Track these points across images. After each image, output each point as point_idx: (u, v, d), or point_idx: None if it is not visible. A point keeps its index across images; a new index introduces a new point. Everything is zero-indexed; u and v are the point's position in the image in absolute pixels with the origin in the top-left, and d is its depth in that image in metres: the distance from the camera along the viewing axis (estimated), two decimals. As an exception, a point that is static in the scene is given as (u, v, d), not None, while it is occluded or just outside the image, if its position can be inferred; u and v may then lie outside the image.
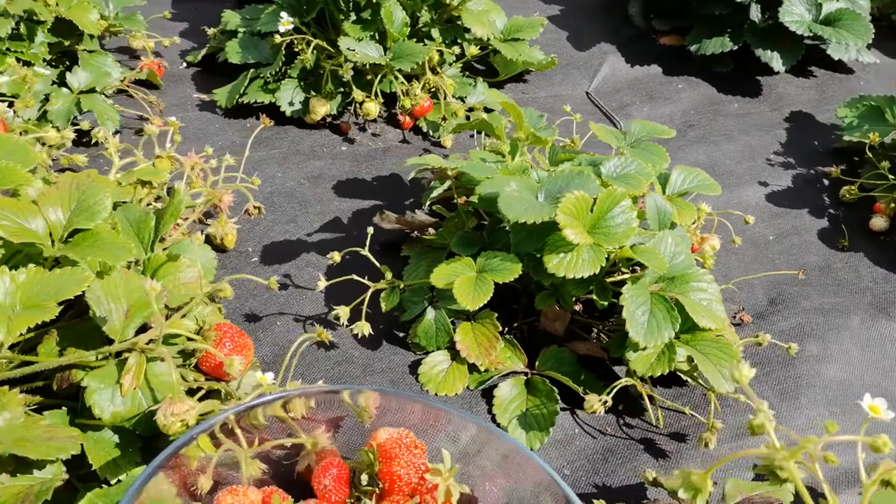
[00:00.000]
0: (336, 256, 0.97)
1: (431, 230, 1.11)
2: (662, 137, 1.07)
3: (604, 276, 0.96)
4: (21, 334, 0.66)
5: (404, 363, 0.94)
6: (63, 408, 0.77)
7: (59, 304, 0.71)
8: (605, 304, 0.95)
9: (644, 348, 0.87)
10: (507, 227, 0.98)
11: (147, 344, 0.78)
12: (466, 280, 0.88)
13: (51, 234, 0.79)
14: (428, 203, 1.12)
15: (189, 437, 0.65)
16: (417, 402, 0.75)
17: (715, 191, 1.04)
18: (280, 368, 0.83)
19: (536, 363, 0.94)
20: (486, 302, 0.86)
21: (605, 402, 0.85)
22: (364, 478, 0.71)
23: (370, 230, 0.98)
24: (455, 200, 1.01)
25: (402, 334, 0.98)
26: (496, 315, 0.94)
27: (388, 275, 0.96)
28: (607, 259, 0.87)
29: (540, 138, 1.02)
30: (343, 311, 0.93)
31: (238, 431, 0.72)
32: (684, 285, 0.90)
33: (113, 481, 0.74)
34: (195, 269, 0.87)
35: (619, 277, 0.96)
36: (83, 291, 0.76)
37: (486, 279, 0.87)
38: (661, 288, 0.90)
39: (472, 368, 0.93)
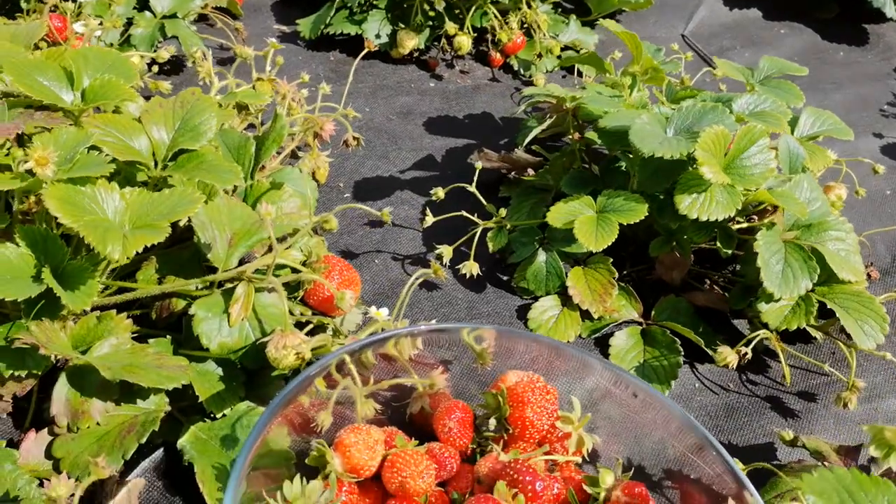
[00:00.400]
0: (440, 192, 0.91)
1: (531, 171, 1.05)
2: (794, 75, 0.99)
3: (728, 223, 0.89)
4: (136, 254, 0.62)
5: (510, 308, 0.89)
6: (167, 337, 0.74)
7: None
8: (729, 252, 0.88)
9: (778, 300, 0.80)
10: (625, 167, 0.91)
11: (254, 273, 0.74)
12: (587, 220, 0.82)
13: (154, 155, 0.75)
14: (525, 143, 1.05)
15: (312, 372, 0.61)
16: (544, 343, 0.70)
17: (847, 135, 0.96)
18: (381, 307, 0.78)
19: (652, 313, 0.88)
20: (609, 243, 0.80)
21: (745, 354, 0.78)
22: (492, 423, 0.65)
23: (478, 165, 0.92)
24: (568, 137, 0.95)
25: (506, 277, 0.92)
26: (611, 260, 0.87)
27: (503, 211, 0.90)
28: (742, 202, 0.80)
29: (659, 72, 0.94)
30: (446, 251, 0.88)
31: (353, 369, 0.67)
32: (821, 234, 0.83)
33: (218, 415, 0.70)
34: (297, 199, 0.82)
35: (744, 225, 0.89)
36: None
37: (610, 220, 0.81)
38: (796, 236, 0.83)
39: (584, 316, 0.87)
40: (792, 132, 0.95)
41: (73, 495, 0.52)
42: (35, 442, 0.66)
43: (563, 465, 0.66)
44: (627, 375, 0.68)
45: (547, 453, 0.65)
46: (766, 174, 0.81)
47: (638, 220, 0.81)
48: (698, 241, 0.90)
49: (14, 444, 0.67)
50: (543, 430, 0.64)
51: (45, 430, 0.66)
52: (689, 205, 0.79)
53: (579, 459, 0.66)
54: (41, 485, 0.61)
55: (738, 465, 0.70)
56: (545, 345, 0.70)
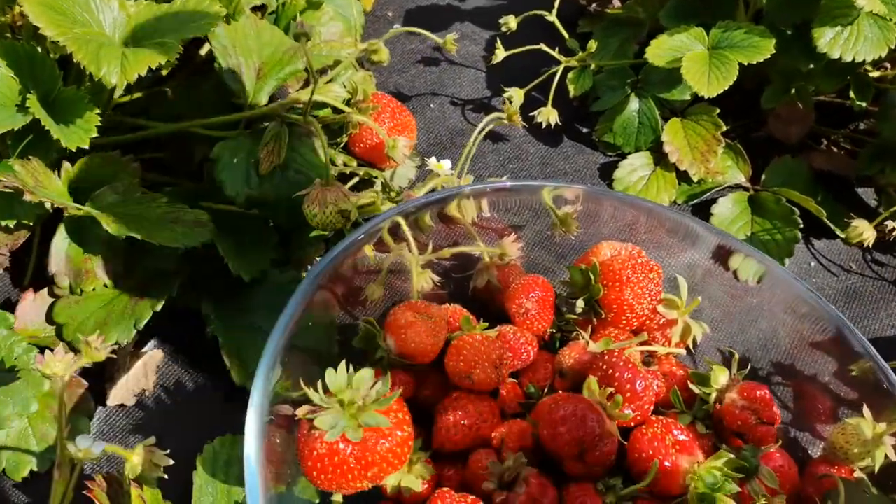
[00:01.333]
0: (512, 22, 0.75)
1: (617, 2, 0.87)
2: None
3: (863, 69, 0.72)
4: (138, 77, 0.48)
5: (591, 165, 0.74)
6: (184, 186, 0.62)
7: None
8: (864, 105, 0.72)
9: (929, 164, 0.65)
10: (746, -7, 0.73)
11: (288, 112, 0.60)
12: (698, 57, 0.66)
13: (161, -42, 0.60)
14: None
15: (360, 235, 0.48)
16: (641, 208, 0.56)
17: None
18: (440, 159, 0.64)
19: (763, 177, 0.73)
20: (726, 87, 0.64)
21: (893, 230, 0.64)
22: (578, 304, 0.53)
23: (560, -11, 0.75)
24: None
25: (586, 129, 0.77)
26: (717, 111, 0.72)
27: (592, 45, 0.74)
28: (901, 38, 0.63)
29: None
30: (517, 94, 0.72)
31: (408, 233, 0.55)
32: None
33: (246, 279, 0.59)
34: (339, 24, 0.67)
35: (877, 73, 0.72)
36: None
37: (727, 58, 0.65)
38: (959, 86, 0.66)
39: (681, 178, 0.72)
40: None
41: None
42: (34, 303, 0.55)
43: (662, 359, 0.54)
44: (745, 247, 0.55)
45: (644, 343, 0.53)
46: (933, 3, 0.63)
47: (761, 60, 0.65)
48: (826, 91, 0.73)
49: (11, 304, 0.57)
50: (643, 316, 0.52)
51: (46, 290, 0.56)
52: (831, 40, 0.63)
53: (683, 352, 0.55)
54: (42, 353, 0.51)
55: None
56: (643, 209, 0.57)
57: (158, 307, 0.54)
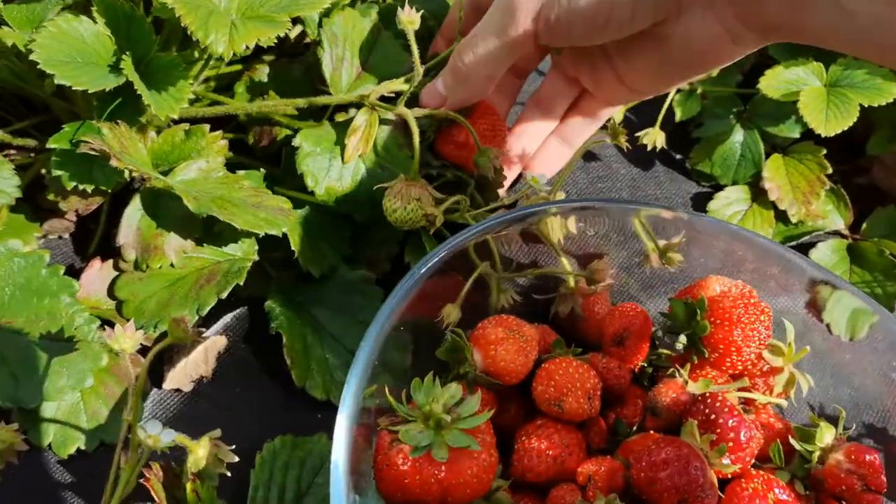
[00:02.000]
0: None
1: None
2: None
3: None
4: (245, 49, 0.46)
5: (684, 193, 0.71)
6: (262, 170, 0.59)
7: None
8: (982, 162, 0.67)
9: None
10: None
11: (378, 101, 0.57)
12: (816, 93, 0.62)
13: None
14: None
15: (467, 237, 0.45)
16: (751, 243, 0.52)
17: None
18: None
19: (863, 226, 0.69)
20: (845, 128, 0.60)
21: None
22: (680, 340, 0.49)
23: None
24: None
25: (679, 156, 0.73)
26: (824, 151, 0.68)
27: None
28: None
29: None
30: (618, 112, 0.69)
31: (494, 247, 0.51)
32: None
33: (315, 274, 0.56)
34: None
35: None
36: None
37: (847, 97, 0.61)
38: None
39: (778, 217, 0.68)
40: None
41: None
42: (99, 273, 0.53)
43: (760, 409, 0.50)
44: (855, 293, 0.51)
45: (744, 389, 0.49)
46: None
47: (883, 103, 0.61)
48: (939, 143, 0.69)
49: (74, 271, 0.54)
50: (748, 360, 0.48)
51: (111, 261, 0.54)
52: (963, 88, 0.59)
53: (784, 403, 0.50)
54: (102, 327, 0.49)
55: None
56: (752, 245, 0.53)
57: (224, 294, 0.52)
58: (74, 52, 0.46)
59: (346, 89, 0.59)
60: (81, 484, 0.47)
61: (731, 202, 0.68)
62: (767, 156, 0.69)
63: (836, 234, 0.69)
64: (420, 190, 0.52)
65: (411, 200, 0.52)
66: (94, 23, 0.48)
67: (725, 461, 0.42)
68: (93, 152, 0.45)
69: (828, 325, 0.54)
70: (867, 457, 0.45)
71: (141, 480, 0.40)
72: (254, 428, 0.50)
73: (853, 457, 0.45)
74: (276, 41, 0.54)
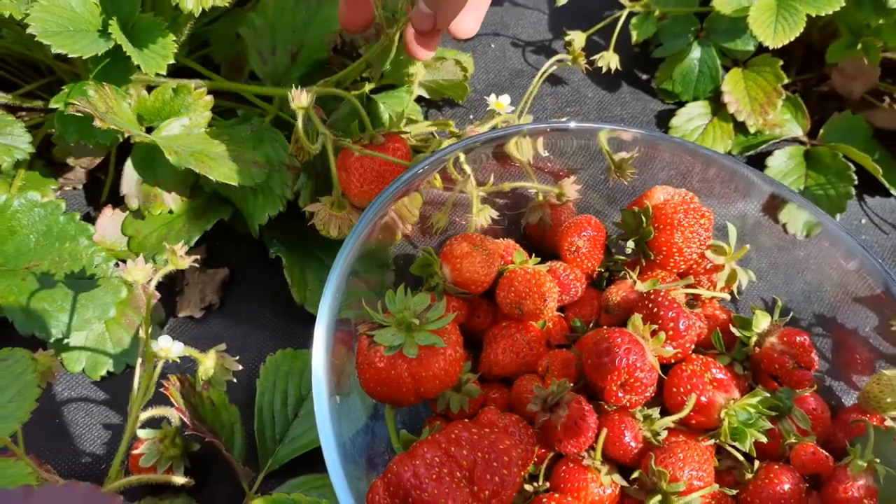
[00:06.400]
0: (577, -36, 0.75)
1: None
2: None
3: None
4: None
5: (649, 112, 0.75)
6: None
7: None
8: (934, 62, 0.70)
9: None
10: (818, -58, 0.72)
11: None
12: (766, 6, 0.65)
13: None
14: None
15: (425, 165, 0.50)
16: (698, 155, 0.57)
17: None
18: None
19: (821, 132, 0.73)
20: (792, 39, 0.63)
21: (950, 189, 0.64)
22: (629, 245, 0.55)
23: (629, -70, 0.74)
24: None
25: (645, 76, 0.77)
26: (781, 63, 0.71)
27: (658, -10, 0.74)
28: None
29: None
30: (578, 37, 0.72)
31: (467, 168, 0.56)
32: None
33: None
34: None
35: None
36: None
37: (795, 8, 0.64)
38: None
39: (738, 128, 0.73)
40: None
41: (150, 280, 0.45)
42: (111, 219, 0.59)
43: (706, 302, 0.56)
44: (799, 199, 0.55)
45: (690, 286, 0.54)
46: None
47: (830, 12, 0.64)
48: (893, 47, 0.72)
49: (90, 218, 0.61)
50: (691, 260, 0.53)
51: (121, 208, 0.60)
52: (905, -6, 0.62)
53: (727, 296, 0.56)
54: (118, 266, 0.55)
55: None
56: (699, 156, 0.57)
57: (208, 227, 0.58)
58: (66, 21, 0.51)
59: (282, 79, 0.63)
60: (114, 400, 0.55)
61: (692, 117, 0.72)
62: (729, 70, 0.73)
63: (795, 140, 0.73)
64: (343, 220, 0.56)
65: (333, 228, 0.56)
66: (81, -9, 0.52)
67: (668, 348, 0.48)
68: (79, 113, 0.50)
69: (783, 226, 0.59)
70: (798, 338, 0.51)
71: (161, 390, 0.47)
72: (259, 344, 0.57)
73: (785, 339, 0.51)
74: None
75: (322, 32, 0.62)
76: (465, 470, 0.40)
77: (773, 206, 0.58)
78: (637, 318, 0.48)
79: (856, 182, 0.68)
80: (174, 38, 0.55)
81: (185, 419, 0.45)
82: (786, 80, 0.71)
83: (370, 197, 0.52)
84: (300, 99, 0.52)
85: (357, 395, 0.47)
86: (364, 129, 0.57)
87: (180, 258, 0.43)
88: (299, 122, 0.52)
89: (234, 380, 0.47)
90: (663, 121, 0.73)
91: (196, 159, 0.54)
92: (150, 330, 0.43)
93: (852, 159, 0.69)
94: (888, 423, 0.51)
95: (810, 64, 0.78)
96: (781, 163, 0.70)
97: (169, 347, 0.42)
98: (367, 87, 0.63)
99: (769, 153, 0.71)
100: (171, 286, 0.59)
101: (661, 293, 0.50)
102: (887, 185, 0.69)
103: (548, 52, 0.78)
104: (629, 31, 0.75)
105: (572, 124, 0.57)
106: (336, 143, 0.55)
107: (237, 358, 0.47)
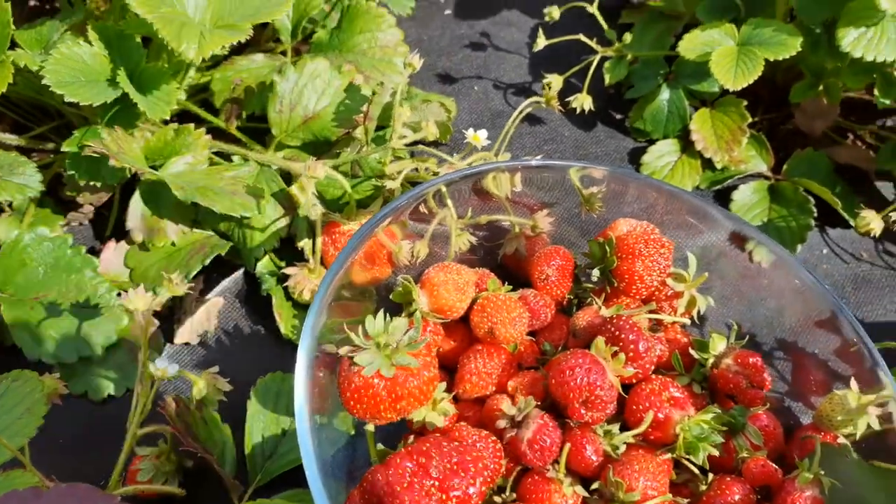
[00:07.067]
0: (555, 12, 0.80)
1: (660, -6, 0.91)
2: None
3: (889, 68, 0.75)
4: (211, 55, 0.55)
5: (622, 149, 0.79)
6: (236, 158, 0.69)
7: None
8: (887, 102, 0.75)
9: (943, 161, 0.68)
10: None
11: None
12: (727, 52, 0.70)
13: (237, -52, 0.66)
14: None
15: (403, 201, 0.55)
16: (662, 191, 0.61)
17: None
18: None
19: (784, 167, 0.77)
20: (751, 81, 0.68)
21: (895, 221, 0.68)
22: (594, 273, 0.59)
23: (601, -18, 0.80)
24: (712, -48, 0.80)
25: (619, 116, 0.82)
26: (745, 103, 0.76)
27: (627, 37, 0.79)
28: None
29: None
30: (556, 80, 0.77)
31: (449, 201, 0.61)
32: None
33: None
34: (397, 33, 0.71)
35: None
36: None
37: (754, 53, 0.69)
38: (981, 86, 0.69)
39: (706, 165, 0.77)
40: None
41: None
42: (115, 252, 0.64)
43: (668, 327, 0.59)
44: (754, 232, 0.59)
45: (653, 312, 0.58)
46: (958, 6, 0.66)
47: (787, 56, 0.69)
48: (852, 87, 0.76)
49: (95, 252, 0.65)
50: (652, 287, 0.57)
51: (125, 241, 0.64)
52: (854, 40, 0.66)
53: (688, 321, 0.60)
54: (119, 295, 0.59)
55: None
56: (663, 192, 0.62)
57: (207, 261, 0.62)
58: (78, 72, 0.56)
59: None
60: (115, 420, 0.58)
61: (662, 154, 0.77)
62: (697, 110, 0.78)
63: (760, 175, 0.77)
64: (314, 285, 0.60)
65: (305, 292, 0.60)
66: (91, 45, 0.57)
67: (628, 368, 0.52)
68: (95, 154, 0.55)
69: (750, 253, 0.63)
70: (750, 360, 0.55)
71: (158, 409, 0.50)
72: (250, 369, 0.61)
73: (739, 360, 0.55)
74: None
75: (339, 118, 0.66)
76: (434, 479, 0.44)
77: (737, 238, 0.62)
78: (600, 340, 0.52)
79: (815, 214, 0.72)
80: (177, 85, 0.61)
81: (180, 436, 0.49)
82: (750, 120, 0.75)
83: (357, 271, 0.56)
84: (316, 171, 0.56)
85: (341, 414, 0.51)
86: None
87: (176, 285, 0.47)
88: (306, 191, 0.56)
89: (226, 399, 0.51)
90: (636, 158, 0.78)
91: (201, 193, 0.59)
92: (147, 353, 0.47)
93: (814, 193, 0.74)
94: (840, 440, 0.55)
95: (776, 103, 0.83)
96: (746, 196, 0.74)
97: (165, 369, 0.46)
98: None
99: (735, 187, 0.75)
100: (171, 315, 0.63)
101: (623, 318, 0.54)
102: (846, 216, 0.73)
103: (528, 94, 0.83)
104: (603, 74, 0.80)
105: (542, 162, 0.61)
106: (326, 216, 0.60)
107: (228, 380, 0.51)
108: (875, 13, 0.65)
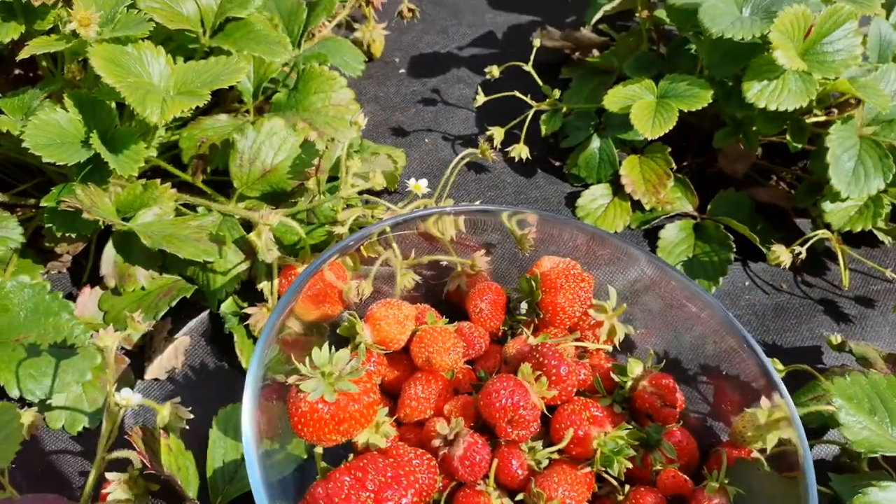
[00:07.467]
0: (495, 71, 0.87)
1: (596, 52, 0.99)
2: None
3: (801, 115, 0.83)
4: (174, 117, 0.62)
5: (560, 194, 0.87)
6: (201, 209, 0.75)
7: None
8: (799, 146, 0.82)
9: (845, 199, 0.75)
10: (694, 50, 0.85)
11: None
12: (645, 105, 0.77)
13: (202, 22, 0.74)
14: (594, 20, 0.99)
15: (350, 241, 0.61)
16: (583, 231, 0.68)
17: (953, 21, 0.86)
18: (433, 186, 0.77)
19: (708, 207, 0.84)
20: (667, 131, 0.75)
21: (799, 254, 0.75)
22: (523, 306, 0.65)
23: (536, 42, 0.88)
24: (637, 14, 0.89)
25: (558, 163, 0.90)
26: (669, 150, 0.83)
27: (556, 93, 0.86)
28: (817, 91, 0.74)
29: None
30: (498, 132, 0.85)
31: (394, 244, 0.67)
32: (905, 131, 0.76)
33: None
34: (348, 93, 0.79)
35: (816, 119, 0.83)
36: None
37: (670, 105, 0.76)
38: (875, 132, 0.77)
39: (636, 206, 0.84)
40: (888, 16, 0.86)
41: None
42: (90, 297, 0.69)
43: (594, 353, 0.65)
44: (670, 269, 0.66)
45: (578, 340, 0.64)
46: (847, 62, 0.74)
47: (700, 108, 0.76)
48: (767, 133, 0.84)
49: (72, 297, 0.71)
50: (575, 317, 0.64)
51: (99, 286, 0.70)
52: (758, 92, 0.74)
53: (609, 348, 0.66)
54: (93, 336, 0.65)
55: (778, 366, 0.69)
56: (588, 233, 0.68)
57: (174, 303, 0.67)
58: (54, 135, 0.62)
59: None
60: (89, 451, 0.63)
61: (595, 198, 0.84)
62: (627, 156, 0.85)
63: (686, 215, 0.84)
64: None
65: None
66: (66, 111, 0.64)
67: (552, 391, 0.58)
68: (70, 208, 0.61)
69: (671, 287, 0.69)
70: (664, 381, 0.61)
71: (126, 437, 0.56)
72: (213, 401, 0.66)
73: (654, 382, 0.61)
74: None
75: (294, 171, 0.72)
76: (370, 491, 0.49)
77: (659, 273, 0.69)
78: (525, 366, 0.58)
79: (734, 249, 0.79)
80: (145, 145, 0.67)
81: (146, 462, 0.54)
82: (674, 165, 0.82)
83: (305, 307, 0.62)
84: (269, 218, 0.63)
85: (294, 440, 0.56)
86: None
87: (138, 323, 0.53)
88: (262, 236, 0.63)
89: (189, 428, 0.57)
90: (572, 201, 0.85)
91: (167, 241, 0.65)
92: (114, 384, 0.52)
93: (736, 230, 0.81)
94: (754, 454, 0.61)
95: (703, 149, 0.90)
96: (673, 234, 0.81)
97: (129, 398, 0.51)
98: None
99: (662, 226, 0.82)
100: (142, 354, 0.69)
101: (548, 346, 0.60)
102: (764, 251, 0.80)
103: (474, 145, 0.91)
104: (540, 125, 0.87)
105: (479, 207, 0.68)
106: (282, 260, 0.66)
107: (190, 409, 0.56)
108: (776, 68, 0.73)
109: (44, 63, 0.74)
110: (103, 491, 0.56)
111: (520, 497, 0.55)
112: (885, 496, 0.49)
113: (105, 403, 0.54)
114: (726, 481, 0.56)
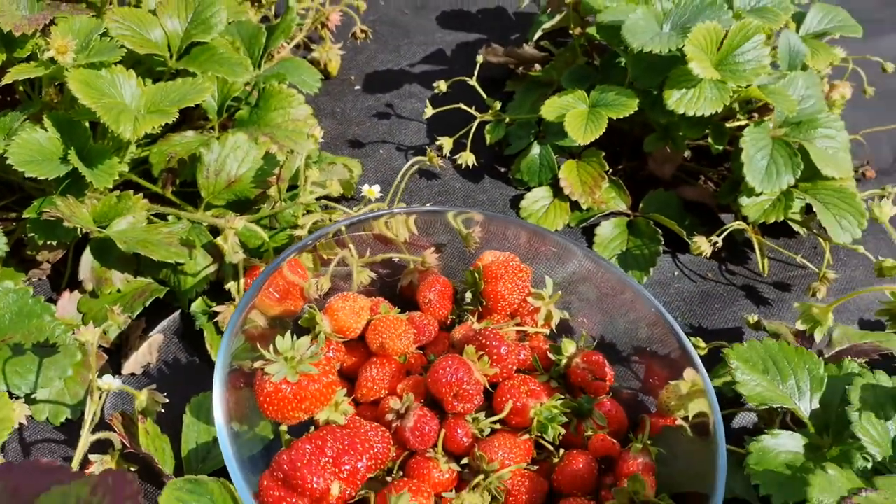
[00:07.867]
0: (442, 85, 0.95)
1: (538, 66, 1.07)
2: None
3: (721, 120, 0.91)
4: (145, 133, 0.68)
5: (505, 197, 0.94)
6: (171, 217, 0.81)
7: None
8: (720, 148, 0.91)
9: (759, 194, 0.84)
10: (624, 63, 0.94)
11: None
12: (578, 114, 0.85)
13: (169, 47, 0.80)
14: (535, 37, 1.07)
15: (308, 241, 0.67)
16: (524, 229, 0.75)
17: (856, 32, 0.96)
18: (387, 192, 0.84)
19: (640, 205, 0.92)
20: (597, 136, 0.83)
21: (716, 243, 0.83)
22: (468, 296, 0.72)
23: (479, 59, 0.96)
24: (571, 31, 0.97)
25: (503, 169, 0.97)
26: (603, 154, 0.91)
27: (497, 105, 0.94)
28: (731, 98, 0.82)
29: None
30: (447, 142, 0.92)
31: (350, 244, 0.74)
32: (811, 131, 0.85)
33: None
34: (306, 108, 0.85)
35: (737, 123, 0.91)
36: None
37: (600, 114, 0.84)
38: (786, 133, 0.85)
39: (574, 206, 0.92)
40: (798, 29, 0.95)
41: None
42: (69, 300, 0.75)
43: (534, 337, 0.72)
44: (604, 262, 0.73)
45: (518, 325, 0.71)
46: (757, 70, 0.82)
47: (628, 115, 0.84)
48: (692, 137, 0.92)
49: (52, 301, 0.76)
50: (514, 304, 0.71)
51: (77, 291, 0.75)
52: (678, 100, 0.82)
53: (547, 332, 0.73)
54: (73, 335, 0.70)
55: (700, 345, 0.76)
56: (530, 230, 0.76)
57: (148, 303, 0.73)
58: (36, 153, 0.68)
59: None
60: (72, 440, 0.69)
61: (537, 199, 0.91)
62: (565, 161, 0.93)
63: (620, 213, 0.92)
64: None
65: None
66: (46, 131, 0.70)
67: (494, 369, 0.65)
68: (51, 218, 0.67)
69: (605, 278, 0.76)
70: (594, 357, 0.68)
71: (107, 421, 0.61)
72: (186, 390, 0.72)
73: (585, 359, 0.68)
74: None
75: (256, 181, 0.79)
76: (329, 457, 0.56)
77: (593, 265, 0.76)
78: (469, 347, 0.65)
79: (663, 243, 0.87)
80: (119, 160, 0.73)
81: (126, 443, 0.60)
82: (608, 168, 0.90)
83: (270, 303, 0.68)
84: (234, 224, 0.69)
85: (262, 423, 0.62)
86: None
87: (118, 315, 0.59)
88: (228, 240, 0.69)
89: (165, 414, 0.62)
90: (516, 203, 0.92)
91: (141, 245, 0.71)
92: (96, 373, 0.58)
93: (665, 226, 0.89)
94: (678, 422, 0.68)
95: (635, 153, 0.98)
96: (608, 231, 0.89)
97: (110, 383, 0.57)
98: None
99: (598, 224, 0.90)
100: (118, 351, 0.75)
101: (490, 330, 0.67)
102: (690, 243, 0.88)
103: (425, 154, 0.97)
104: (485, 135, 0.95)
105: (428, 208, 0.75)
106: (248, 262, 0.72)
107: (165, 394, 0.62)
108: (692, 78, 0.81)
109: (21, 88, 0.80)
110: (86, 470, 0.62)
111: (465, 461, 0.61)
112: (776, 442, 0.57)
113: (87, 390, 0.59)
114: (649, 442, 0.63)
